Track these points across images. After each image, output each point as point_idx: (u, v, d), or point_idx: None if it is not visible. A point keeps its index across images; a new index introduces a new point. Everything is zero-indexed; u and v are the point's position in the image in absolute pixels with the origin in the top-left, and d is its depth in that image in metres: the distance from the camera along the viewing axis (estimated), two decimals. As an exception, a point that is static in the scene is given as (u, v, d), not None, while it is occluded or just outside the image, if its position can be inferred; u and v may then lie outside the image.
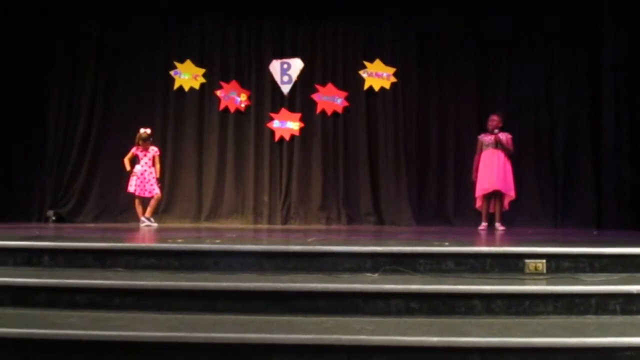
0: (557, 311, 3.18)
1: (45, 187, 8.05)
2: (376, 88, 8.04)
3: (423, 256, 3.64)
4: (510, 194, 6.69)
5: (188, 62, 8.23)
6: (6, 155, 7.74)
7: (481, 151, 6.77)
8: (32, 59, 7.99)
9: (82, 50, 8.22)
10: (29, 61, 7.97)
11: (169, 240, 4.01)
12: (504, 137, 6.72)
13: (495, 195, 6.69)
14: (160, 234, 5.41)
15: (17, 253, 3.71)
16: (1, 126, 7.68)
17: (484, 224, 6.75)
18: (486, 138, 6.78)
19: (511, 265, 3.60)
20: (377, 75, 8.03)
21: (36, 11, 7.99)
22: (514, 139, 6.80)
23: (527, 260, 3.58)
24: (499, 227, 6.63)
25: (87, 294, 3.23)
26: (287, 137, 8.09)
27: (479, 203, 6.83)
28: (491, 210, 6.77)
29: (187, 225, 7.67)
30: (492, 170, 6.61)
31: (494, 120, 6.76)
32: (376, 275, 3.52)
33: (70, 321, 2.97)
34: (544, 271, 3.56)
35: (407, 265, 3.59)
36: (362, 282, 3.34)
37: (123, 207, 7.81)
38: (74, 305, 3.21)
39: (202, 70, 8.24)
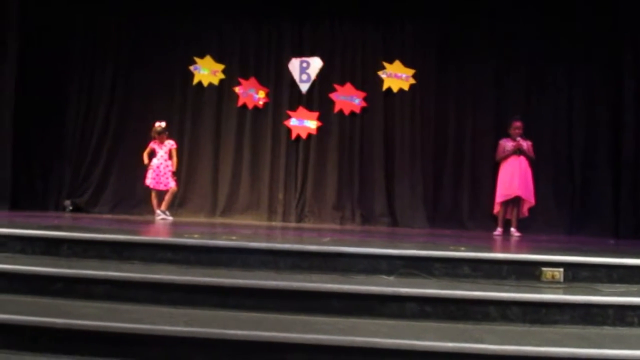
0: (573, 321, 3.15)
1: (63, 177, 8.14)
2: (395, 89, 7.99)
3: (439, 260, 3.62)
4: (531, 200, 6.64)
5: (208, 58, 8.25)
6: (26, 144, 7.82)
7: (503, 157, 6.71)
8: (53, 50, 8.06)
9: (102, 43, 8.29)
10: (49, 52, 8.04)
11: (185, 235, 4.02)
12: (526, 144, 6.68)
13: (514, 201, 6.63)
14: (176, 228, 5.44)
15: (35, 242, 3.76)
16: (22, 116, 7.75)
17: (499, 230, 6.70)
18: (508, 144, 6.72)
19: (528, 272, 3.56)
20: (396, 77, 7.99)
21: (54, 4, 8.04)
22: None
23: (544, 269, 3.55)
24: (514, 233, 6.57)
25: (103, 285, 3.25)
26: (303, 136, 8.08)
27: (497, 208, 6.77)
28: (508, 216, 6.72)
29: (201, 220, 7.69)
30: (514, 177, 6.57)
31: (518, 127, 6.70)
32: (391, 277, 3.51)
33: (86, 311, 2.99)
34: (561, 280, 3.52)
35: (422, 268, 3.58)
36: (377, 284, 3.32)
37: (139, 199, 7.85)
38: (90, 295, 3.24)
39: (221, 66, 8.25)
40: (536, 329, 3.09)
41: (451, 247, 3.99)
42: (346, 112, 8.08)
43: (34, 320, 2.81)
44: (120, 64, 8.27)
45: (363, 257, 3.62)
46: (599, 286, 3.44)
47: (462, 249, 3.92)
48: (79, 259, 3.62)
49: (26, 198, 7.77)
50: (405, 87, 7.97)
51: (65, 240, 3.74)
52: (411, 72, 7.96)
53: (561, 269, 3.52)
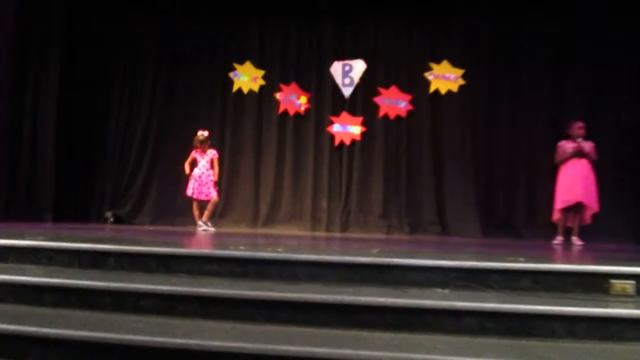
0: (648, 338, 3.04)
1: (104, 188, 8.44)
2: (442, 91, 7.94)
3: (497, 272, 3.56)
4: (594, 206, 6.44)
5: (248, 64, 8.40)
6: (69, 155, 8.12)
7: (562, 160, 6.55)
8: (94, 61, 8.38)
9: (142, 52, 8.58)
10: (91, 63, 8.37)
11: (231, 247, 4.09)
12: (588, 146, 6.49)
13: (575, 208, 6.47)
14: (219, 239, 5.53)
15: (83, 255, 3.89)
16: (65, 128, 8.06)
17: (559, 238, 6.54)
18: (568, 146, 6.56)
19: (595, 285, 3.46)
20: (444, 78, 7.93)
21: (97, 12, 8.35)
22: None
23: (613, 281, 3.44)
24: (576, 242, 6.41)
25: (151, 299, 3.34)
26: (347, 142, 8.11)
27: (556, 216, 6.62)
28: (568, 224, 6.55)
29: (243, 230, 7.81)
30: (575, 181, 6.41)
31: (580, 127, 6.53)
32: (446, 290, 3.47)
33: (136, 326, 3.07)
34: (633, 293, 3.40)
35: (479, 281, 3.52)
36: (431, 298, 3.29)
37: (180, 209, 8.04)
38: (138, 309, 3.33)
39: (261, 72, 8.39)
40: (606, 346, 3.00)
41: (509, 258, 3.91)
42: (391, 116, 8.07)
43: (86, 335, 2.91)
44: (160, 73, 8.53)
45: (416, 269, 3.59)
46: (676, 300, 3.31)
47: (521, 259, 3.84)
48: (127, 272, 3.74)
49: (69, 209, 8.06)
50: (454, 89, 7.91)
51: (111, 254, 3.85)
52: (460, 72, 7.89)
53: (633, 282, 3.41)
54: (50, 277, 3.54)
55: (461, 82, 7.89)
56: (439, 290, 3.48)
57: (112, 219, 8.16)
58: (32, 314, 3.25)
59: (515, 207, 7.70)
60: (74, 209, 8.15)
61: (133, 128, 8.54)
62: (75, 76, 8.22)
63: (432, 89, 7.97)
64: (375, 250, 4.35)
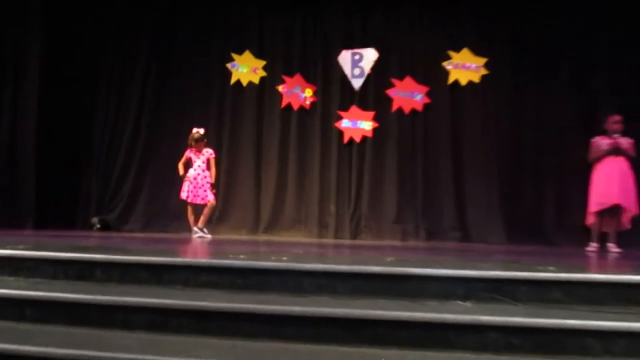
0: (695, 356, 3.02)
1: (90, 191, 8.50)
2: (463, 82, 7.94)
3: (525, 283, 3.55)
4: (633, 209, 6.41)
5: (247, 54, 8.43)
6: (52, 157, 8.18)
7: (597, 157, 6.53)
8: (79, 54, 8.48)
9: (132, 41, 8.63)
10: (75, 56, 8.45)
11: (230, 256, 4.10)
12: (626, 142, 6.47)
13: (611, 211, 6.44)
14: (217, 247, 5.55)
15: (68, 265, 3.91)
16: (47, 128, 8.11)
17: (594, 245, 6.52)
18: (603, 142, 6.54)
19: (634, 297, 3.44)
20: (464, 67, 7.93)
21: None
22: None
23: (654, 292, 3.42)
24: (613, 248, 6.38)
25: (143, 314, 3.35)
26: (357, 139, 8.12)
27: (591, 219, 6.60)
28: (604, 229, 6.53)
29: (243, 237, 7.84)
30: (612, 182, 6.39)
31: (617, 121, 6.51)
32: (469, 303, 3.46)
33: (126, 343, 3.09)
34: (678, 306, 3.38)
35: (505, 293, 3.52)
36: (452, 312, 3.28)
37: (173, 214, 8.08)
38: (129, 325, 3.34)
39: (262, 63, 8.42)
40: (648, 365, 2.99)
41: (538, 267, 3.90)
42: (406, 110, 8.07)
43: (69, 353, 2.93)
44: (151, 65, 8.60)
45: (435, 280, 3.58)
46: None
47: (552, 268, 3.83)
48: (116, 284, 3.76)
49: (51, 215, 8.13)
50: (476, 79, 7.91)
51: (99, 264, 3.87)
52: (482, 60, 7.89)
53: (677, 293, 3.39)
54: (32, 290, 3.56)
55: (483, 71, 7.88)
56: (461, 303, 3.48)
57: (98, 226, 8.21)
58: (12, 330, 3.27)
59: (544, 210, 7.68)
60: (57, 215, 8.21)
61: (122, 125, 8.59)
62: (59, 71, 8.29)
63: (451, 79, 7.97)
64: (389, 259, 4.35)
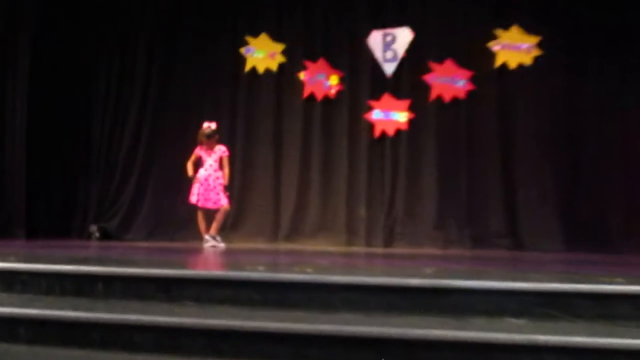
0: None
1: (88, 196, 8.59)
2: (512, 65, 7.90)
3: (587, 297, 3.53)
4: None
5: (263, 36, 8.48)
6: (45, 160, 8.32)
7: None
8: (74, 46, 8.58)
9: (133, 26, 8.74)
10: (70, 49, 8.54)
11: (248, 268, 4.13)
12: None
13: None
14: (232, 258, 5.59)
15: (64, 279, 3.97)
16: (39, 128, 8.23)
17: (667, 253, 6.44)
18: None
19: None
20: (514, 48, 7.88)
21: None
22: None
23: None
24: (690, 257, 6.30)
25: (149, 334, 3.40)
26: (391, 132, 8.13)
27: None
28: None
29: (261, 246, 7.88)
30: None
31: None
32: (522, 321, 3.45)
33: (131, 367, 3.14)
34: None
35: (564, 308, 3.50)
36: (503, 330, 3.28)
37: (182, 221, 8.16)
38: (133, 346, 3.39)
39: (281, 46, 8.46)
40: None
41: (602, 279, 3.88)
42: (446, 98, 8.06)
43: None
44: (154, 53, 8.67)
45: (482, 294, 3.58)
46: None
47: (619, 280, 3.80)
48: (119, 300, 3.81)
49: (45, 223, 8.26)
50: (528, 61, 7.87)
51: (99, 277, 3.93)
52: (535, 39, 7.85)
53: None
54: (26, 307, 3.63)
55: (536, 52, 7.82)
56: (512, 320, 3.47)
57: (97, 234, 8.32)
58: (4, 352, 3.33)
59: (608, 213, 7.60)
60: (51, 223, 8.35)
61: (122, 123, 8.69)
62: (53, 65, 8.38)
63: (498, 62, 7.94)
64: (429, 270, 4.34)
